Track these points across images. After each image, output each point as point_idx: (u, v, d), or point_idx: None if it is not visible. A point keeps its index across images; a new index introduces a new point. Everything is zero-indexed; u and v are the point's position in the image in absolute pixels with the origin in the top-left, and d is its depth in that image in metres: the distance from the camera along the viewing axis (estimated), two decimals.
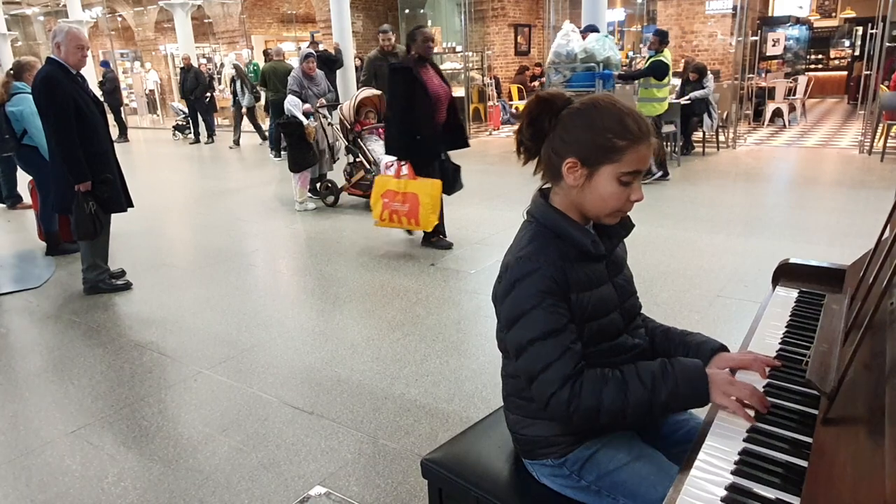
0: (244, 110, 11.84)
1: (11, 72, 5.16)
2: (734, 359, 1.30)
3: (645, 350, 1.36)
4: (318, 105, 6.51)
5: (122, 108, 14.53)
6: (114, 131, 15.01)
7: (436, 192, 4.60)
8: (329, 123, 6.57)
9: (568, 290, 1.21)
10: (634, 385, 1.16)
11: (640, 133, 1.18)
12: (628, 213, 1.30)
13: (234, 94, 11.80)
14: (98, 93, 13.26)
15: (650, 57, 6.89)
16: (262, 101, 11.74)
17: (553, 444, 1.29)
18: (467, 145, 4.99)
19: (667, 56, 6.78)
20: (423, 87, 4.47)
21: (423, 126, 4.55)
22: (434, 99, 4.52)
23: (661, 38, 6.80)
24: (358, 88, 7.34)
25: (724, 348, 1.35)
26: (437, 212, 4.64)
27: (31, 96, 4.58)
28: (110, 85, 14.10)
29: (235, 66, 12.03)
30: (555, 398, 1.17)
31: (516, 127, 1.31)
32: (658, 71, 6.70)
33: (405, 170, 4.67)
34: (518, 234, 1.31)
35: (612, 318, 1.28)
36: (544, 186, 1.31)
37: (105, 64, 15.64)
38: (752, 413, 1.11)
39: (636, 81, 7.19)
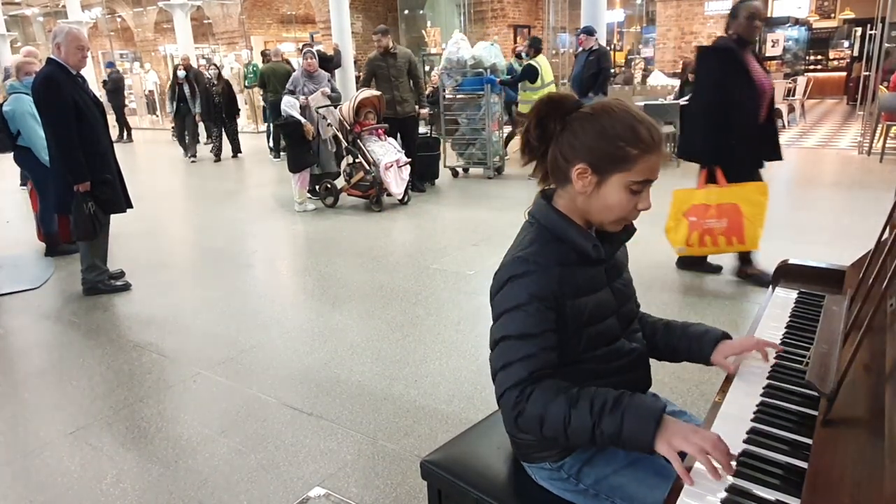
0: (197, 118, 10.37)
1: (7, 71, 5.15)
2: (737, 346, 1.31)
3: (643, 354, 1.36)
4: (315, 96, 6.50)
5: (124, 109, 14.46)
6: (113, 132, 15.00)
7: (762, 196, 3.61)
8: (328, 124, 6.58)
9: (561, 297, 1.20)
10: (583, 409, 1.11)
11: (652, 142, 1.16)
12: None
13: (181, 100, 10.27)
14: (100, 93, 13.26)
15: (526, 62, 7.66)
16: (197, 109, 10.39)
17: (549, 447, 1.29)
18: (781, 157, 3.93)
19: (540, 62, 7.43)
20: (748, 74, 3.56)
21: (745, 123, 3.59)
22: (759, 91, 3.60)
23: (533, 45, 7.67)
24: (357, 89, 7.34)
25: (726, 336, 1.35)
26: (763, 223, 3.64)
27: (25, 96, 4.58)
28: (113, 85, 14.09)
29: (186, 68, 10.28)
30: (505, 397, 1.17)
31: (524, 127, 1.29)
32: (530, 74, 7.39)
33: (715, 177, 3.71)
34: (519, 235, 1.30)
35: (608, 323, 1.28)
36: (547, 188, 1.30)
37: (110, 65, 15.64)
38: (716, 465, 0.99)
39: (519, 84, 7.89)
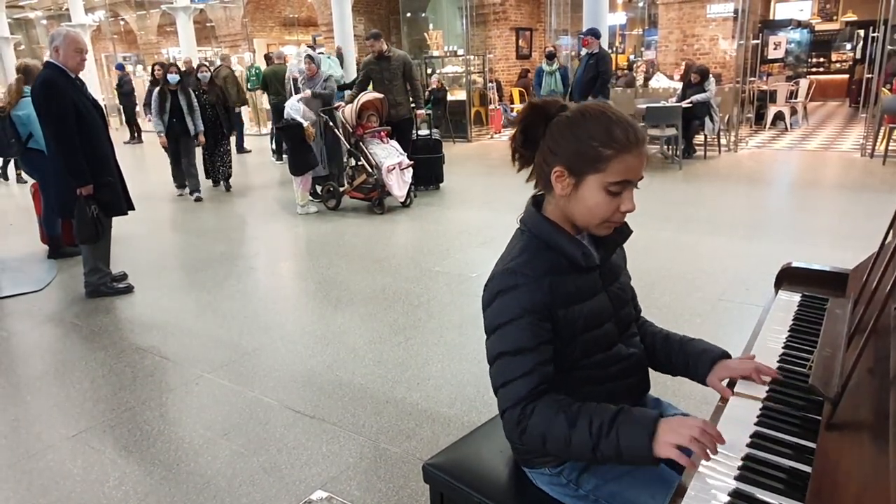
0: (199, 139, 7.53)
1: (22, 77, 5.14)
2: (735, 368, 1.29)
3: (641, 358, 1.35)
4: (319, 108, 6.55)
5: (135, 111, 14.46)
6: (124, 133, 14.97)
7: None
8: (330, 126, 6.61)
9: (553, 308, 1.19)
10: (581, 429, 1.11)
11: (627, 142, 1.14)
12: (625, 221, 1.27)
13: (174, 114, 7.28)
14: (101, 97, 13.27)
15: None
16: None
17: (549, 453, 1.28)
18: None
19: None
20: None
21: None
22: None
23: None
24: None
25: (726, 356, 1.34)
26: None
27: None
28: (127, 87, 14.13)
29: (189, 71, 7.87)
30: (507, 414, 1.17)
31: (511, 134, 1.29)
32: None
33: None
34: (510, 243, 1.29)
35: (605, 329, 1.27)
36: (538, 194, 1.30)
37: (120, 66, 15.66)
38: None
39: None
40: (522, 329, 1.17)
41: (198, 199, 7.56)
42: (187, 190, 7.71)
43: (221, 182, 8.22)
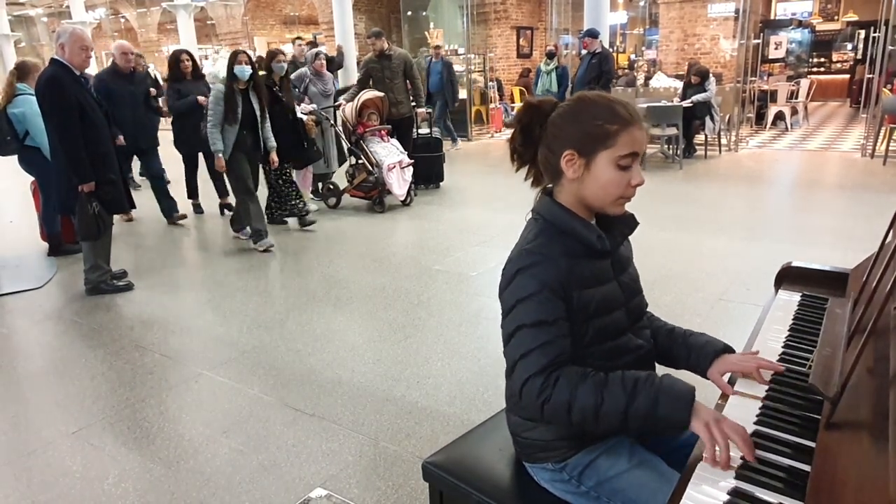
0: (273, 160, 5.21)
1: (15, 72, 5.15)
2: (736, 364, 1.29)
3: (649, 351, 1.36)
4: (323, 107, 6.55)
5: None
6: None
7: None
8: (331, 125, 6.60)
9: (569, 288, 1.21)
10: (614, 389, 1.12)
11: (629, 117, 1.20)
12: (633, 213, 1.32)
13: (246, 125, 4.87)
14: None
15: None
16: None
17: (553, 448, 1.29)
18: None
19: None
20: None
21: None
22: None
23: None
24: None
25: (728, 349, 1.34)
26: None
27: (32, 97, 4.59)
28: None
29: (247, 58, 4.85)
30: (528, 385, 1.16)
31: (510, 135, 1.34)
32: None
33: None
34: (524, 231, 1.32)
35: (615, 317, 1.28)
36: (549, 186, 1.32)
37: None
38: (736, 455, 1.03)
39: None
40: (541, 303, 1.18)
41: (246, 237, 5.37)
42: (249, 231, 5.26)
43: (296, 218, 5.78)
